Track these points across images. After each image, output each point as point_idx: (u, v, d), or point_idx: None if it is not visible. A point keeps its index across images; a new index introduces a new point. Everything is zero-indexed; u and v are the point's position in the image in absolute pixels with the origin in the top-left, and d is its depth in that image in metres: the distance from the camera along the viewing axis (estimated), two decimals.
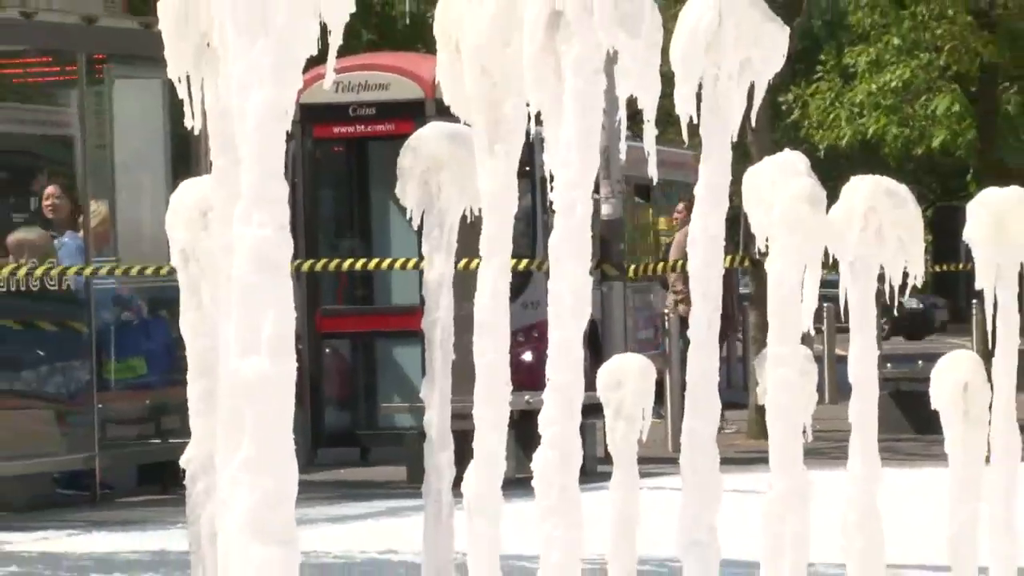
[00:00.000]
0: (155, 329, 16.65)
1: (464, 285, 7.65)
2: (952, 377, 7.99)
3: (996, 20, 25.55)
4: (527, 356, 15.57)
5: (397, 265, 17.70)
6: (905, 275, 7.89)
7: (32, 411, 17.23)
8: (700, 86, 6.95)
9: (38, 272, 16.90)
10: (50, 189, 16.94)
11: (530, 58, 6.25)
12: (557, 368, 6.25)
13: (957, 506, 7.88)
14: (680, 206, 22.69)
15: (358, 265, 18.78)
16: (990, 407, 8.26)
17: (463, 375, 7.30)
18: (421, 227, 8.38)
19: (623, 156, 6.82)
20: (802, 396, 7.25)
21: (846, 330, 8.34)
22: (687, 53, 6.88)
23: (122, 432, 17.57)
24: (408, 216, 8.53)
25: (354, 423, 20.07)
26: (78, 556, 13.31)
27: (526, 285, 16.47)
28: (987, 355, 8.35)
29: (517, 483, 6.63)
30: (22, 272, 16.67)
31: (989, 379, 8.19)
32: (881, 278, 7.89)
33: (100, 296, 17.40)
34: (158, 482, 15.75)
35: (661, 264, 21.94)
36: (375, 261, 18.73)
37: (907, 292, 8.06)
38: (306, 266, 17.80)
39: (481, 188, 6.91)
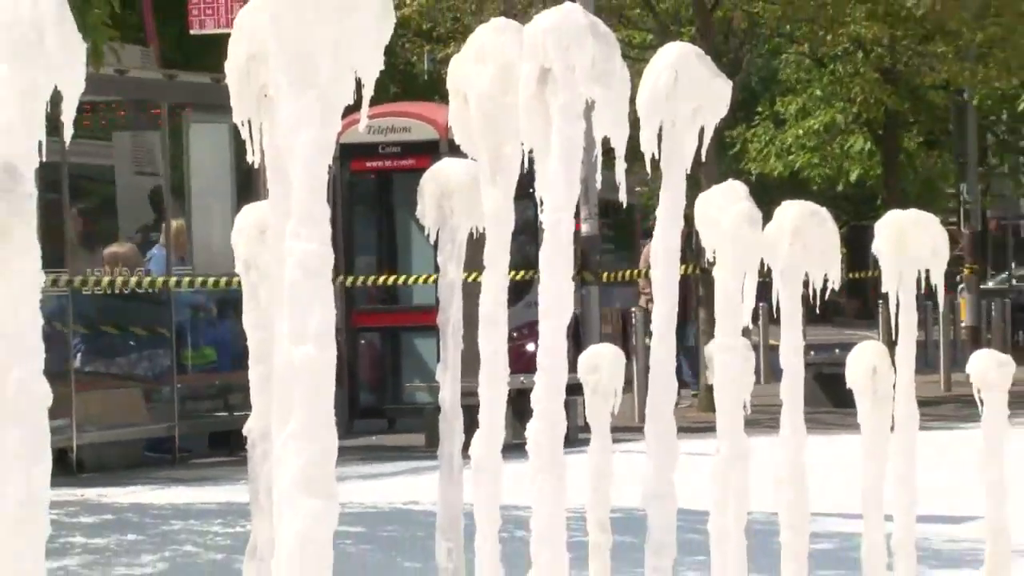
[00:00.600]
0: (223, 324, 16.58)
1: (470, 289, 7.68)
2: (863, 362, 8.00)
3: (898, 76, 25.44)
4: (530, 346, 15.67)
5: (421, 280, 17.79)
6: (825, 281, 7.94)
7: (124, 390, 17.20)
8: (660, 129, 6.97)
9: (132, 282, 16.93)
10: (177, 236, 17.32)
11: (524, 106, 6.28)
12: (546, 355, 6.26)
13: (868, 466, 7.88)
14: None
15: (389, 281, 18.94)
16: (894, 387, 8.27)
17: (470, 361, 7.31)
18: (437, 242, 8.43)
19: (599, 185, 6.78)
20: (743, 378, 7.25)
21: (778, 324, 8.34)
22: (650, 102, 6.90)
23: (196, 406, 17.55)
24: (426, 233, 8.60)
25: (382, 400, 20.01)
26: (160, 506, 13.25)
27: (529, 289, 16.51)
28: (891, 344, 8.37)
29: (514, 448, 6.59)
30: (119, 281, 16.72)
31: (892, 364, 8.21)
32: (806, 283, 7.91)
33: (179, 298, 17.39)
34: (225, 447, 15.68)
35: (630, 271, 21.84)
36: (402, 277, 18.86)
37: (827, 294, 8.09)
38: (348, 282, 17.87)
39: (485, 211, 6.94)
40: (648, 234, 20.62)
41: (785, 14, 24.01)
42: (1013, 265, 30.52)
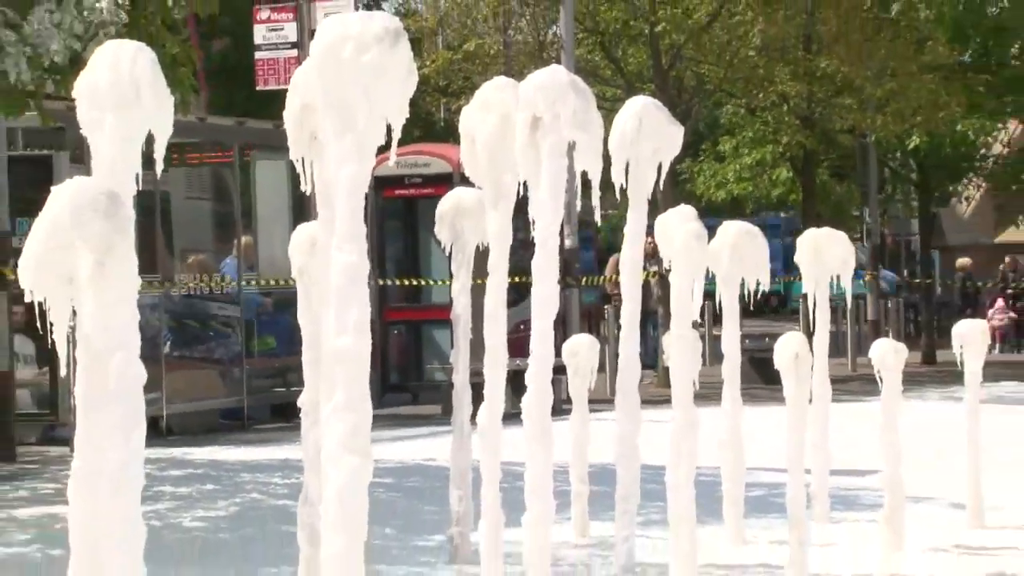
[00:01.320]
0: (281, 319, 16.61)
1: (478, 291, 7.68)
2: (787, 349, 7.97)
3: (814, 123, 25.44)
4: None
5: (438, 284, 17.89)
6: (757, 284, 7.91)
7: (205, 370, 17.28)
8: (627, 165, 6.97)
9: (212, 284, 17.04)
10: (247, 249, 17.59)
11: (520, 147, 6.28)
12: (537, 343, 6.25)
13: (791, 431, 7.86)
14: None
15: (413, 282, 19.11)
16: (811, 368, 8.27)
17: (477, 347, 7.31)
18: (451, 253, 8.43)
19: (579, 207, 6.76)
20: (692, 361, 7.24)
21: (720, 318, 8.29)
22: (618, 144, 6.92)
23: (260, 383, 17.57)
24: (443, 247, 8.61)
25: (407, 378, 20.04)
26: (232, 462, 13.20)
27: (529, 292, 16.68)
28: (809, 334, 8.35)
29: (512, 416, 6.57)
30: (201, 283, 16.86)
31: (810, 350, 8.20)
32: (742, 286, 7.88)
33: (247, 298, 17.47)
34: (283, 415, 15.65)
35: (602, 278, 21.86)
36: (422, 280, 19.01)
37: (758, 295, 8.06)
38: (381, 282, 17.94)
39: (488, 229, 6.94)
40: (615, 248, 20.70)
41: (726, 75, 24.03)
42: (905, 272, 30.29)
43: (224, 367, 17.47)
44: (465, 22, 26.38)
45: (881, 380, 8.80)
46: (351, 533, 5.29)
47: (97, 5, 9.78)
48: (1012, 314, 31.59)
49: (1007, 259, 33.28)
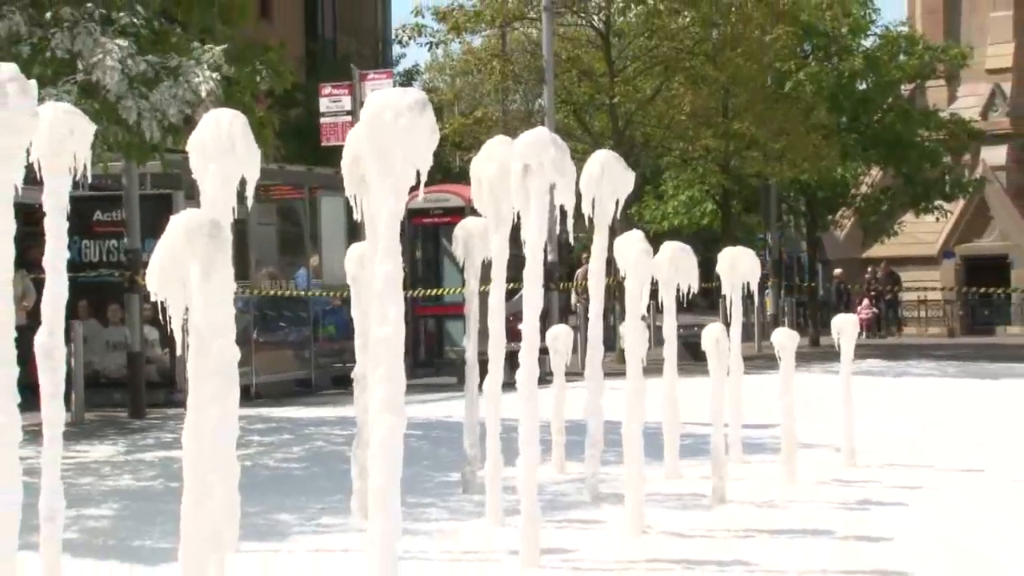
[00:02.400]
0: (339, 313, 16.62)
1: (482, 294, 7.71)
2: (711, 335, 7.96)
3: (730, 170, 25.42)
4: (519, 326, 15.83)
5: (455, 290, 18.00)
6: (688, 288, 7.89)
7: (284, 351, 17.32)
8: (593, 201, 6.96)
9: (287, 290, 17.13)
10: (315, 264, 18.01)
11: (514, 187, 6.28)
12: (528, 331, 6.24)
13: (713, 395, 7.86)
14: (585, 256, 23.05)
15: (435, 292, 19.16)
16: (728, 349, 8.27)
17: (483, 335, 7.30)
18: (463, 266, 8.41)
19: (558, 231, 6.77)
20: (641, 344, 7.23)
21: (661, 312, 8.28)
22: (587, 185, 6.91)
23: (324, 360, 17.57)
24: (457, 261, 8.60)
25: (432, 357, 20.09)
26: (303, 419, 13.18)
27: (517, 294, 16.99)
28: (727, 324, 8.34)
29: (508, 385, 6.55)
30: (278, 291, 16.92)
31: (728, 336, 8.20)
32: (678, 289, 7.86)
33: (314, 299, 17.51)
34: (341, 384, 15.61)
35: (574, 283, 21.88)
36: (440, 290, 19.04)
37: (689, 295, 8.05)
38: (413, 293, 17.99)
39: (491, 248, 6.93)
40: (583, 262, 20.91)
41: (665, 134, 24.08)
42: (796, 279, 30.26)
43: (297, 348, 17.52)
44: (474, 96, 26.56)
45: (780, 358, 8.82)
46: (390, 471, 5.27)
47: (203, 85, 9.78)
48: (875, 309, 31.71)
49: (869, 269, 33.52)
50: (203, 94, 9.73)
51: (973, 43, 34.05)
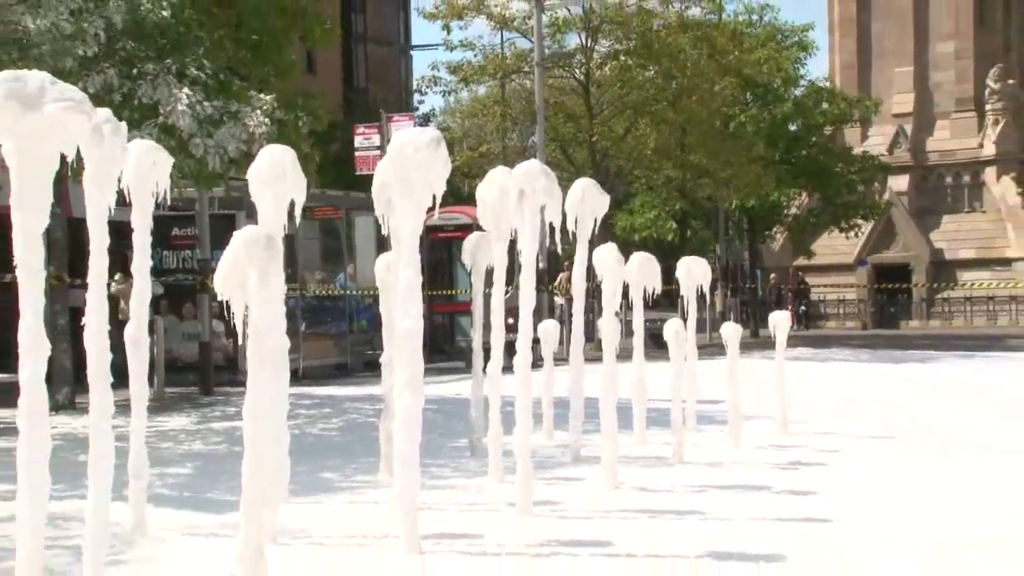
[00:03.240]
0: (370, 310, 16.59)
1: (485, 295, 7.70)
2: (672, 328, 7.95)
3: (687, 194, 25.46)
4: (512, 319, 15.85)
5: (464, 291, 17.88)
6: (653, 290, 7.86)
7: (325, 341, 17.26)
8: (576, 219, 6.94)
9: (328, 290, 17.09)
10: (350, 270, 18.01)
11: (512, 208, 6.26)
12: (523, 323, 6.23)
13: (674, 377, 7.84)
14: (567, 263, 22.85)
15: (447, 293, 19.13)
16: (686, 339, 8.26)
17: (486, 327, 7.29)
18: (471, 272, 8.39)
19: (548, 243, 6.75)
20: (615, 335, 7.23)
21: (631, 309, 8.25)
22: (570, 206, 6.90)
23: (358, 349, 17.51)
24: (465, 267, 8.58)
25: (445, 345, 20.03)
26: (340, 396, 13.15)
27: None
28: (684, 319, 8.33)
29: (507, 368, 6.53)
30: (323, 290, 16.91)
31: (685, 328, 8.19)
32: (645, 291, 7.84)
33: (350, 298, 17.47)
34: (372, 368, 15.59)
35: (556, 284, 21.83)
36: (452, 291, 19.03)
37: (654, 296, 8.02)
38: (428, 293, 18.04)
39: (494, 257, 6.91)
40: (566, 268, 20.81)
41: (634, 166, 24.12)
42: (740, 283, 30.21)
43: (335, 339, 17.46)
44: (479, 135, 26.55)
45: (727, 346, 8.81)
46: (410, 438, 5.27)
47: (257, 128, 9.85)
48: (803, 307, 31.66)
49: (791, 273, 33.77)
50: (256, 134, 9.80)
51: (881, 93, 34.45)
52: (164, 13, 10.00)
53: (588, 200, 7.02)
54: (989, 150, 34.89)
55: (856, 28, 36.97)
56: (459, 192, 24.65)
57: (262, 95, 10.43)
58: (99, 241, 4.73)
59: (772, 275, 33.31)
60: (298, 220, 5.64)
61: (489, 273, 7.64)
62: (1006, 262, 33.75)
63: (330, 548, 5.36)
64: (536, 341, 7.78)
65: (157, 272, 10.38)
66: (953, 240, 35.06)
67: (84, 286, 4.73)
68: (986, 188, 35.36)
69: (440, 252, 20.44)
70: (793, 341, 11.63)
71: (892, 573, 4.80)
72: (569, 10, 23.07)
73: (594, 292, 15.09)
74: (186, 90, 9.71)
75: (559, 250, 7.16)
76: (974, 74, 35.33)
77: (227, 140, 9.80)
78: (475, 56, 24.16)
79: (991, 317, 33.12)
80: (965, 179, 35.60)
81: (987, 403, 12.03)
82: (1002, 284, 31.25)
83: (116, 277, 12.15)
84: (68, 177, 5.23)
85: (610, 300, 7.29)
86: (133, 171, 5.20)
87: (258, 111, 10.02)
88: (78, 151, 3.85)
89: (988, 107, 35.20)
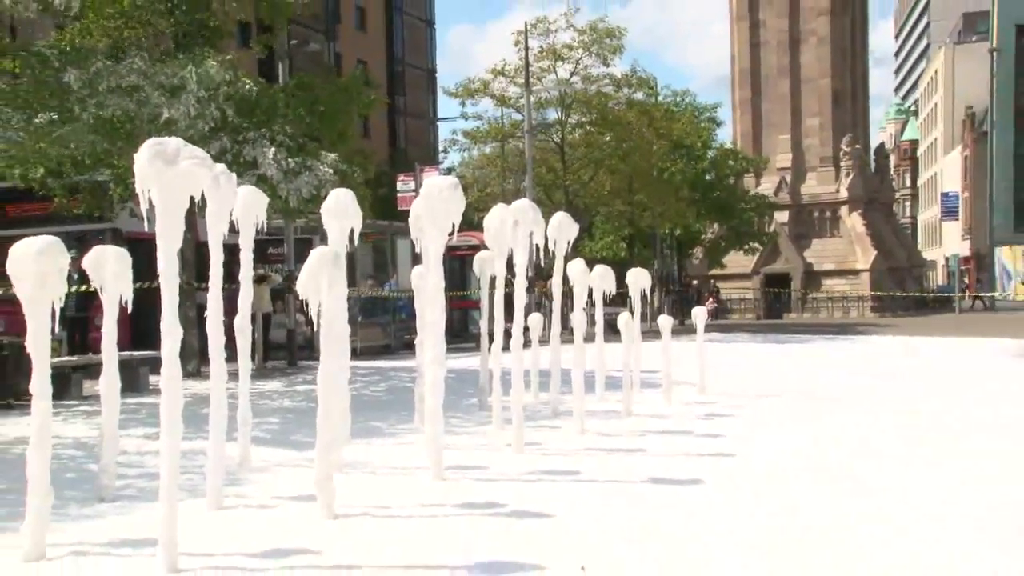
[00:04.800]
0: (408, 306, 16.50)
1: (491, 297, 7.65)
2: (623, 319, 7.92)
3: (635, 224, 25.50)
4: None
5: (474, 292, 17.81)
6: (609, 292, 7.84)
7: (376, 328, 17.08)
8: (555, 241, 6.92)
9: (379, 292, 16.99)
10: (394, 277, 17.92)
11: (509, 233, 6.23)
12: (516, 317, 6.21)
13: (625, 354, 7.80)
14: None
15: (462, 294, 19.02)
16: (633, 327, 8.23)
17: (491, 318, 7.27)
18: (479, 279, 8.34)
19: (534, 259, 6.71)
20: (582, 324, 7.20)
21: (594, 306, 8.20)
22: (551, 232, 6.87)
23: (399, 333, 17.26)
24: (476, 275, 8.54)
25: (460, 331, 19.93)
26: (386, 368, 13.05)
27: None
28: (632, 313, 8.31)
29: (505, 348, 6.52)
30: (374, 292, 16.80)
31: (632, 319, 8.16)
32: (605, 293, 7.80)
33: (393, 297, 17.37)
34: (409, 347, 15.53)
35: (537, 289, 21.83)
36: (465, 293, 18.82)
37: (610, 296, 7.99)
38: (449, 294, 17.95)
39: (496, 268, 6.87)
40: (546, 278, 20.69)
41: (596, 204, 24.18)
42: (671, 287, 30.21)
43: (382, 326, 17.30)
44: (486, 180, 26.58)
45: (662, 332, 8.80)
46: (436, 398, 5.26)
47: (325, 179, 10.01)
48: (715, 304, 31.67)
49: (711, 282, 33.72)
50: (324, 181, 9.96)
51: (769, 153, 36.39)
52: (253, 91, 10.16)
53: (563, 228, 7.03)
54: (843, 194, 35.97)
55: (751, 108, 37.97)
56: (471, 221, 24.66)
57: (328, 153, 10.50)
58: (217, 257, 4.77)
59: (694, 281, 33.39)
60: (356, 242, 5.65)
61: (492, 280, 7.63)
62: (855, 272, 34.74)
63: (379, 476, 5.34)
64: (526, 329, 7.80)
65: (257, 280, 10.49)
66: (819, 257, 35.66)
67: (206, 289, 4.77)
68: (841, 220, 36.16)
69: (457, 265, 20.42)
70: (708, 328, 11.66)
71: (774, 491, 4.81)
72: (549, 93, 23.15)
73: (568, 294, 15.29)
74: (274, 150, 9.83)
75: (542, 263, 7.14)
76: (832, 140, 36.92)
77: (303, 186, 9.92)
78: (482, 125, 24.38)
79: (844, 311, 33.67)
80: (827, 214, 36.56)
81: (843, 369, 12.10)
82: (852, 288, 32.65)
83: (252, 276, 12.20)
84: (196, 212, 5.26)
85: (579, 299, 7.29)
86: (240, 208, 5.21)
87: (325, 165, 10.11)
88: (203, 194, 3.86)
89: (842, 164, 36.30)
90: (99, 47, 9.58)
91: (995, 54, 40.15)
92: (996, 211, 40.43)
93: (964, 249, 51.47)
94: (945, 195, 50.15)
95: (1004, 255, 42.49)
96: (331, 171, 10.07)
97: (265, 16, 12.63)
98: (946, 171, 58.63)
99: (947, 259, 50.79)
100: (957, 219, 51.32)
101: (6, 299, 4.69)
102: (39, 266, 3.59)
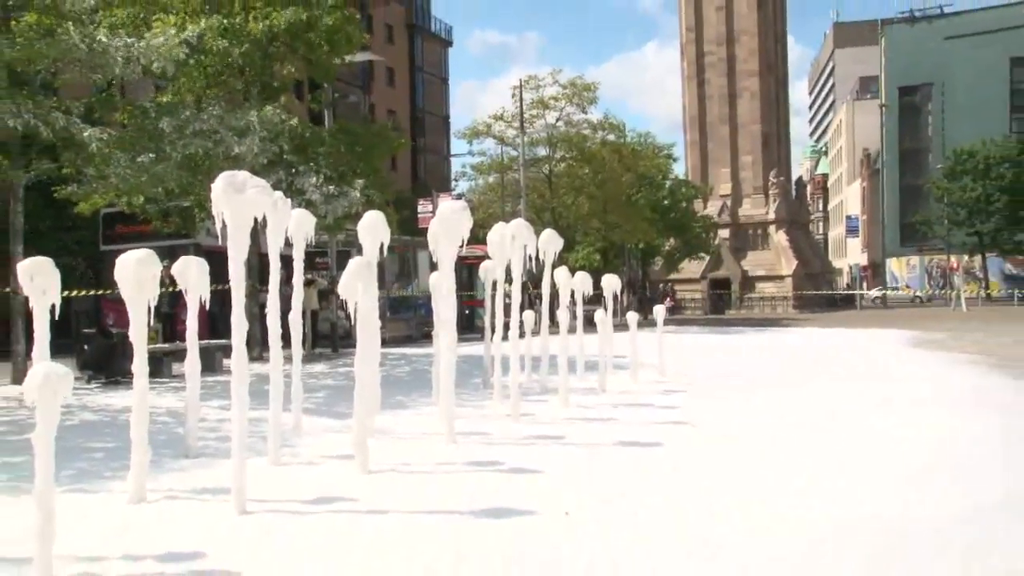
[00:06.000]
0: (427, 304, 16.34)
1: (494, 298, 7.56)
2: (599, 315, 7.81)
3: (608, 239, 25.46)
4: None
5: (479, 294, 17.62)
6: (588, 294, 7.77)
7: (401, 321, 16.82)
8: (545, 252, 6.87)
9: (403, 292, 16.81)
10: (415, 282, 17.69)
11: (507, 246, 6.20)
12: (513, 312, 6.17)
13: (601, 343, 7.73)
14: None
15: (470, 295, 18.84)
16: (608, 320, 8.11)
17: (493, 314, 7.21)
18: (483, 282, 8.27)
19: (527, 267, 6.66)
20: (566, 319, 7.15)
21: (575, 303, 8.12)
22: (540, 245, 6.80)
23: (419, 326, 17.13)
24: (481, 280, 8.45)
25: (468, 323, 19.78)
26: (409, 354, 12.90)
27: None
28: (606, 310, 8.23)
29: (505, 338, 6.47)
30: (399, 293, 16.65)
31: (606, 314, 8.04)
32: (583, 294, 7.73)
33: (414, 297, 17.21)
34: (427, 338, 15.43)
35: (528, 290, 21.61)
36: (472, 294, 18.54)
37: (587, 296, 7.88)
38: (459, 295, 17.72)
39: (496, 275, 6.83)
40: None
41: (576, 223, 24.19)
42: (638, 289, 30.14)
43: (407, 320, 17.07)
44: (489, 203, 26.53)
45: (629, 326, 8.73)
46: (449, 378, 5.23)
47: (355, 201, 10.07)
48: (672, 303, 31.65)
49: (669, 286, 33.64)
50: (354, 204, 10.07)
51: (714, 182, 36.92)
52: (307, 134, 10.24)
53: (551, 242, 7.01)
54: (771, 215, 37.01)
55: (699, 147, 38.99)
56: (477, 237, 24.62)
57: (361, 181, 10.61)
58: (274, 265, 4.76)
59: (660, 285, 33.52)
60: (385, 253, 5.62)
61: (494, 283, 7.60)
62: (781, 277, 35.35)
63: (404, 439, 5.31)
64: (521, 323, 7.79)
65: (307, 283, 10.50)
66: (753, 265, 36.13)
67: (266, 291, 4.75)
68: (770, 236, 36.83)
69: (466, 271, 20.29)
70: (666, 322, 11.64)
71: (718, 451, 4.81)
72: (539, 135, 23.24)
73: (554, 295, 15.20)
74: (317, 178, 9.96)
75: (534, 270, 7.09)
76: (762, 174, 37.75)
77: (340, 208, 10.02)
78: (486, 160, 24.49)
79: (772, 308, 34.06)
80: (759, 231, 37.26)
81: (771, 355, 12.03)
82: (778, 290, 33.07)
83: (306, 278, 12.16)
84: (259, 229, 5.26)
85: (563, 299, 7.26)
86: (293, 226, 5.21)
87: (357, 191, 10.22)
88: (264, 215, 3.88)
89: (770, 192, 37.03)
90: (187, 101, 9.97)
91: (883, 109, 44.13)
92: (887, 230, 43.73)
93: (863, 260, 53.86)
94: (849, 217, 53.52)
95: (892, 265, 46.21)
96: (359, 197, 10.25)
97: (315, 76, 12.88)
98: (849, 199, 61.19)
99: (850, 267, 53.98)
100: (858, 236, 54.31)
101: (115, 299, 4.79)
102: (138, 273, 3.73)
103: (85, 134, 7.33)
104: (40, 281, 4.08)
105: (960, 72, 41.88)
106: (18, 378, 7.98)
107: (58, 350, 4.88)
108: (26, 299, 4.44)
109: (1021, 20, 40.00)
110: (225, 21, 10.05)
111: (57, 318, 4.25)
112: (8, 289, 8.04)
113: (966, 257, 39.28)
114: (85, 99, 8.50)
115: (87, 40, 7.17)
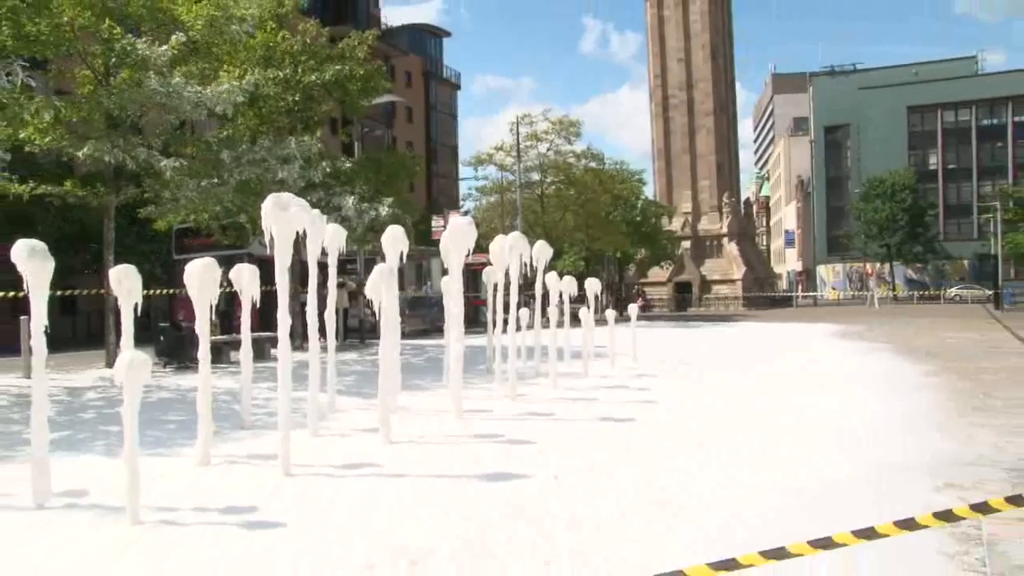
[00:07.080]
0: (440, 302, 16.10)
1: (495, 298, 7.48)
2: (583, 312, 7.76)
3: (590, 249, 25.34)
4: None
5: (483, 294, 17.33)
6: (573, 295, 7.67)
7: (417, 317, 16.39)
8: (537, 260, 6.84)
9: (421, 292, 16.64)
10: (430, 284, 17.46)
11: (506, 255, 6.18)
12: (511, 310, 6.12)
13: (584, 335, 7.68)
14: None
15: (475, 295, 18.63)
16: (592, 316, 8.04)
17: (494, 311, 7.15)
18: (485, 284, 8.20)
19: (523, 272, 6.59)
20: (555, 315, 7.08)
21: (562, 302, 8.01)
22: (536, 252, 6.75)
23: (433, 320, 16.91)
24: (484, 283, 8.39)
25: (473, 318, 19.54)
26: (424, 344, 12.75)
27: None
28: (588, 307, 8.16)
29: (504, 331, 6.42)
30: (416, 293, 16.49)
31: (589, 312, 7.98)
32: (569, 295, 7.65)
33: (429, 297, 16.96)
34: (439, 331, 15.22)
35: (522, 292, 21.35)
36: (477, 294, 18.41)
37: (573, 297, 7.78)
38: (466, 295, 17.41)
39: (497, 279, 6.78)
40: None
41: (562, 235, 24.06)
42: (615, 290, 30.03)
43: (422, 315, 16.84)
44: (491, 219, 26.49)
45: (606, 320, 8.64)
46: (457, 364, 5.21)
47: (383, 218, 10.08)
48: (643, 302, 31.60)
49: (639, 288, 33.64)
50: (381, 219, 10.08)
51: (678, 202, 36.69)
52: (347, 166, 10.24)
53: (543, 251, 6.97)
54: (725, 230, 37.25)
55: (665, 173, 39.76)
56: (481, 247, 24.51)
57: (386, 198, 10.69)
58: (312, 271, 4.74)
59: (634, 287, 33.64)
60: (404, 261, 5.61)
61: (495, 286, 7.56)
62: (733, 281, 36.22)
63: (420, 416, 5.29)
64: (518, 319, 7.76)
65: (339, 286, 10.47)
66: (710, 271, 36.57)
67: (305, 292, 4.75)
68: (724, 247, 37.46)
69: (472, 275, 20.16)
70: (639, 318, 11.56)
71: (683, 425, 4.80)
72: (533, 162, 23.30)
73: (545, 295, 15.11)
74: (351, 199, 9.99)
75: (528, 275, 7.03)
76: (717, 195, 37.69)
77: (368, 223, 10.08)
78: (488, 183, 24.50)
79: (726, 306, 34.32)
80: (715, 243, 37.87)
81: (726, 344, 12.01)
82: (731, 291, 33.52)
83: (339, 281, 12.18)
84: (300, 241, 5.26)
85: (553, 299, 7.23)
86: (328, 239, 5.20)
87: (384, 208, 10.27)
88: (305, 230, 3.89)
89: (724, 210, 37.75)
90: (243, 136, 10.24)
91: (812, 144, 47.67)
92: (817, 242, 47.04)
93: (799, 266, 56.12)
94: (786, 231, 56.94)
95: (822, 271, 47.75)
96: (385, 214, 10.36)
97: (348, 113, 13.20)
98: (786, 216, 64.17)
99: (788, 272, 56.62)
100: (794, 247, 57.38)
101: (184, 298, 4.88)
102: (202, 277, 3.89)
103: (162, 164, 7.73)
104: (126, 284, 4.13)
105: (871, 115, 45.81)
106: (110, 363, 8.26)
107: (139, 340, 4.91)
108: (115, 299, 4.56)
109: (914, 78, 44.83)
110: (280, 74, 10.49)
111: (139, 314, 4.29)
112: (102, 291, 8.26)
113: (879, 264, 41.33)
114: (162, 135, 8.76)
115: (165, 87, 7.48)
